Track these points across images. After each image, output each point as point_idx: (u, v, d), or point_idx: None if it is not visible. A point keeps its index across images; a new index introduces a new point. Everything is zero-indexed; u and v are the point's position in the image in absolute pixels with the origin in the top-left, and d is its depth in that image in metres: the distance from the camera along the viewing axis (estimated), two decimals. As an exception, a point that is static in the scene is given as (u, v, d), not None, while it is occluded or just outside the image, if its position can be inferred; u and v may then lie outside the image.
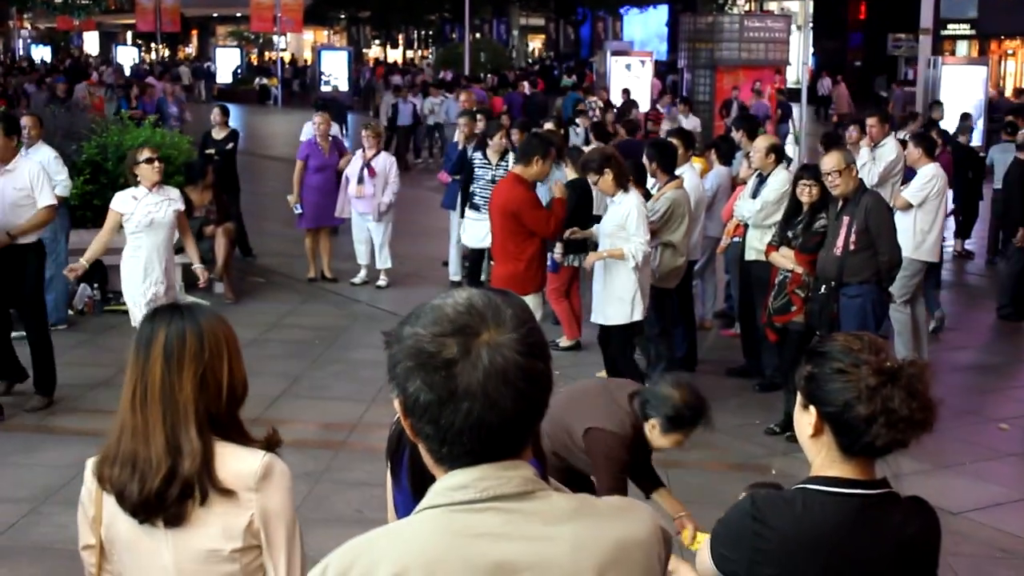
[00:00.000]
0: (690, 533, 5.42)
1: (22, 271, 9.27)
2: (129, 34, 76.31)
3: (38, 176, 9.38)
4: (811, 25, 25.54)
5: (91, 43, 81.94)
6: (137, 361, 3.05)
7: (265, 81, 50.07)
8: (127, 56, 64.00)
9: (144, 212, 9.14)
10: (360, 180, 13.80)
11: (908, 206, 10.96)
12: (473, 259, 12.92)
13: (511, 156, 11.89)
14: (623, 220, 8.98)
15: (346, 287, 14.07)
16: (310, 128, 15.00)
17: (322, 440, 8.85)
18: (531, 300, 8.99)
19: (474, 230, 12.44)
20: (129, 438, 3.02)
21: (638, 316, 9.21)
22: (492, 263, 10.23)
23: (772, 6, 45.09)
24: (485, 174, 12.40)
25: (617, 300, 9.13)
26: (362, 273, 14.20)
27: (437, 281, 14.37)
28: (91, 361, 10.76)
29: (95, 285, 12.50)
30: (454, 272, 14.14)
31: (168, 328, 3.04)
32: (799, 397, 2.92)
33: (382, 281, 14.07)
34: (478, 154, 12.64)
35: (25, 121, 11.58)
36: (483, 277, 12.58)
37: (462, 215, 12.99)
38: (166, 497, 2.96)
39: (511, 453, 1.98)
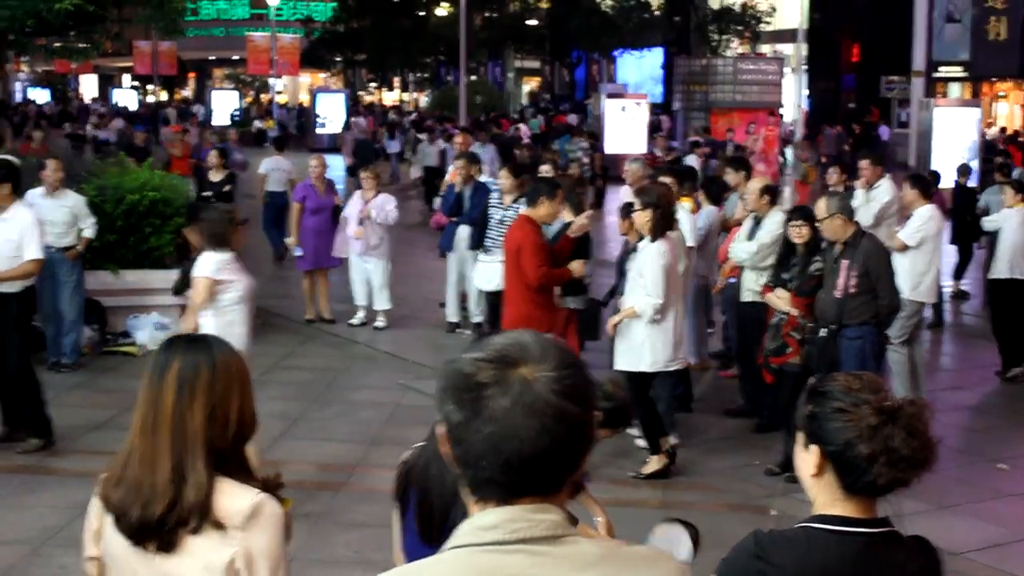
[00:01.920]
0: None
1: (3, 318, 9.26)
2: (127, 76, 76.60)
3: (29, 228, 9.40)
4: (805, 67, 25.72)
5: (88, 86, 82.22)
6: (150, 388, 3.07)
7: (262, 124, 50.27)
8: (126, 99, 64.24)
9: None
10: (360, 222, 13.87)
11: (905, 247, 11.03)
12: (490, 302, 12.90)
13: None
14: (642, 267, 8.86)
15: (344, 328, 14.09)
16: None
17: (321, 481, 8.85)
18: None
19: (484, 272, 12.46)
20: (136, 463, 3.05)
21: (645, 367, 8.91)
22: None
23: (766, 49, 45.33)
24: (495, 214, 12.46)
25: (627, 347, 9.00)
26: (360, 314, 14.24)
27: (435, 322, 14.40)
28: (90, 402, 10.77)
29: (95, 326, 12.52)
30: (451, 314, 14.16)
31: (183, 358, 3.07)
32: (800, 436, 2.95)
33: (380, 322, 14.10)
34: (494, 195, 12.71)
35: (50, 165, 11.71)
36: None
37: (475, 253, 13.06)
38: (164, 523, 2.98)
39: (540, 494, 2.00)
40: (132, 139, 24.94)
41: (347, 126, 41.41)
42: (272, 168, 19.31)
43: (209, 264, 7.86)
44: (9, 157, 10.94)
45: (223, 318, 7.79)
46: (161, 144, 26.15)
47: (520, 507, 1.99)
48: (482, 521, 2.01)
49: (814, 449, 2.88)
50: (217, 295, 7.86)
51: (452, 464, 2.04)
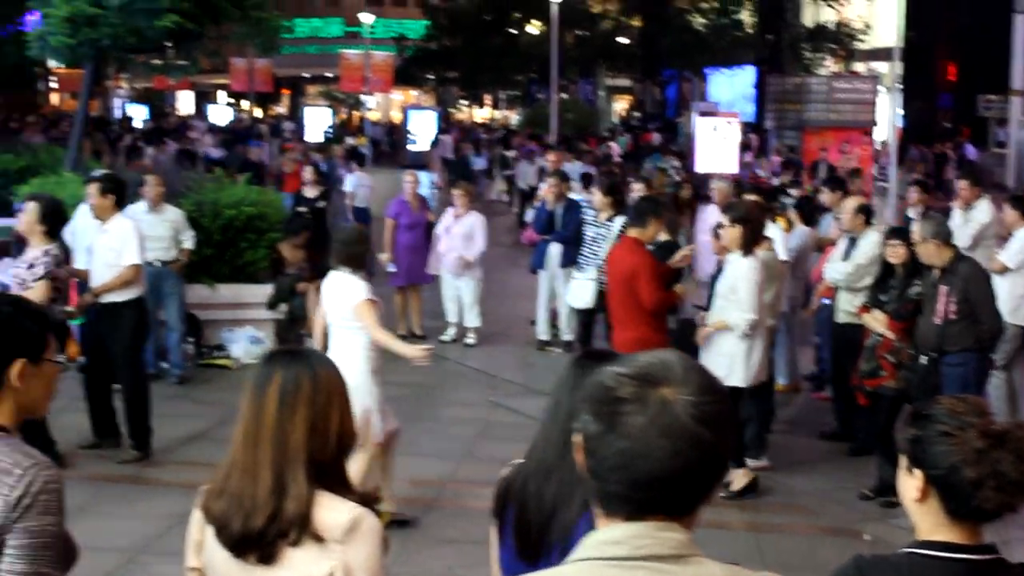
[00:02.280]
0: None
1: (116, 328, 9.50)
2: (222, 93, 77.75)
3: (128, 236, 9.67)
4: (899, 86, 25.45)
5: (185, 102, 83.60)
6: (253, 401, 3.10)
7: (354, 140, 50.71)
8: (220, 115, 65.20)
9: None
10: (448, 237, 13.97)
11: (1005, 269, 10.83)
12: (582, 320, 12.91)
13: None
14: (735, 282, 8.80)
15: (435, 344, 14.13)
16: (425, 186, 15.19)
17: (412, 497, 8.89)
18: None
19: (577, 290, 12.48)
20: (238, 475, 3.08)
21: (736, 382, 8.74)
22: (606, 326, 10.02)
23: (860, 67, 44.85)
24: (588, 231, 12.48)
25: (716, 357, 8.94)
26: (451, 331, 14.31)
27: (525, 340, 14.42)
28: (187, 414, 10.94)
29: (191, 339, 12.70)
30: (542, 331, 14.18)
31: (285, 371, 3.09)
32: (903, 460, 2.91)
33: (471, 339, 14.15)
34: (591, 212, 12.73)
35: (149, 181, 11.97)
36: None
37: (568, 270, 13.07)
38: (265, 535, 3.01)
39: (668, 513, 2.01)
40: (247, 155, 25.13)
41: (435, 143, 41.67)
42: (358, 185, 19.60)
43: (363, 286, 7.82)
44: (111, 172, 11.25)
45: (357, 338, 7.80)
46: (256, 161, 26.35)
47: (646, 524, 2.00)
48: (608, 535, 2.02)
49: (918, 473, 2.84)
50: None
51: (584, 475, 2.05)
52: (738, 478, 8.99)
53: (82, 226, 10.62)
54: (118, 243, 9.66)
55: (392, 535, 4.77)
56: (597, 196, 12.59)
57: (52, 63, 38.10)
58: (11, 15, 25.92)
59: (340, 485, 3.11)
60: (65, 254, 9.45)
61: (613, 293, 9.15)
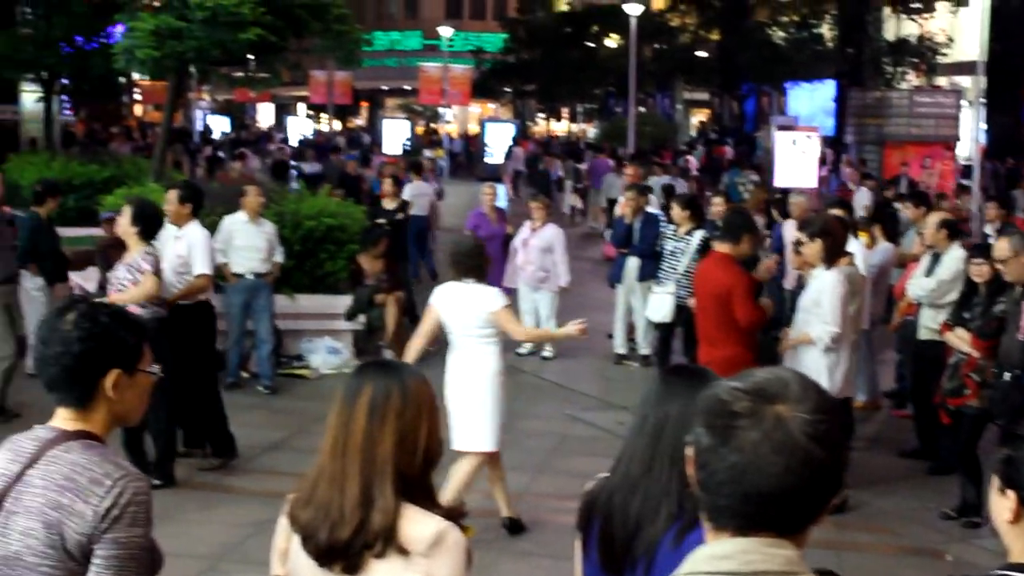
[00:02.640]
0: None
1: (183, 333, 9.57)
2: (302, 105, 78.52)
3: (199, 245, 9.80)
4: (983, 100, 25.09)
5: (265, 114, 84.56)
6: (342, 411, 3.12)
7: (431, 153, 51.00)
8: (300, 127, 65.84)
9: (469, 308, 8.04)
10: (526, 250, 13.99)
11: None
12: (660, 334, 12.88)
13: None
14: (819, 296, 8.72)
15: (512, 357, 14.13)
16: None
17: (487, 509, 8.88)
18: None
19: (656, 303, 12.46)
20: (326, 485, 3.10)
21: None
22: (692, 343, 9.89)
23: (942, 81, 44.30)
24: (667, 245, 12.46)
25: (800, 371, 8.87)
26: (528, 344, 14.30)
27: (602, 353, 14.39)
28: (266, 423, 11.04)
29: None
30: (619, 345, 14.15)
31: (375, 383, 3.11)
32: (996, 481, 2.87)
33: (547, 352, 14.15)
34: (670, 226, 12.72)
35: (251, 191, 12.07)
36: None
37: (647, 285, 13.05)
38: (351, 546, 3.02)
39: (778, 530, 2.00)
40: (344, 168, 25.19)
41: (508, 155, 41.81)
42: (416, 193, 19.75)
43: (495, 293, 8.05)
44: (190, 180, 11.42)
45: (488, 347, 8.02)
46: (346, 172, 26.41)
47: (756, 540, 1.99)
48: (717, 550, 2.02)
49: (1011, 494, 2.80)
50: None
51: (694, 487, 2.05)
52: None
53: (163, 236, 10.77)
54: (187, 252, 9.79)
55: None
56: (676, 210, 12.56)
57: (137, 75, 38.72)
58: (98, 28, 26.37)
59: (426, 499, 3.11)
60: None
61: (704, 310, 8.92)
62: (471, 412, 7.98)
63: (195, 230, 10.01)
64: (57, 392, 3.09)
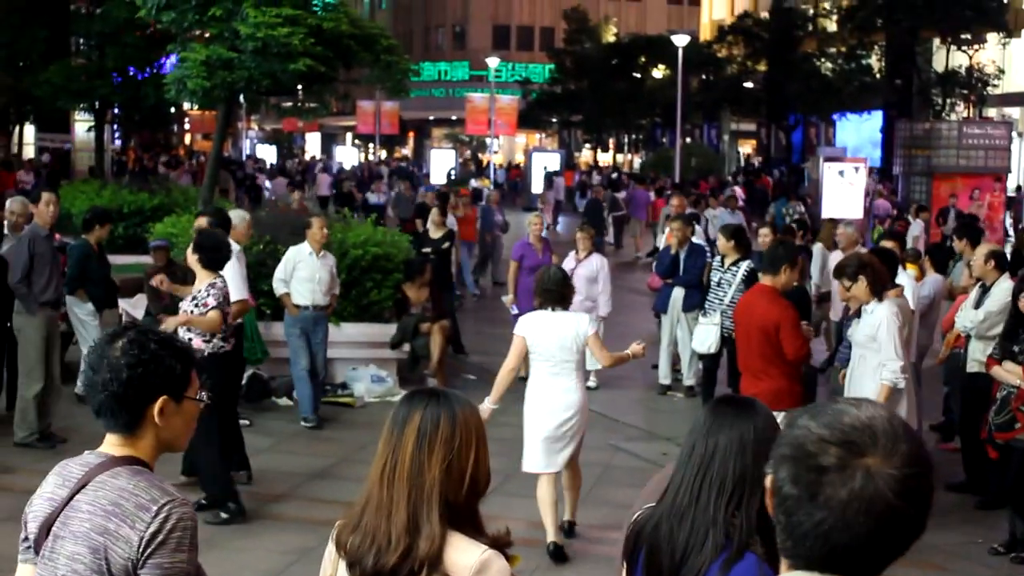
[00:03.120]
0: None
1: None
2: (349, 135, 79.13)
3: (232, 271, 9.84)
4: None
5: (313, 144, 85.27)
6: (390, 438, 3.12)
7: (477, 182, 51.21)
8: (347, 156, 66.34)
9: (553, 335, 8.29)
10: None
11: None
12: (705, 365, 12.84)
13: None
14: (874, 331, 8.61)
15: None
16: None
17: (530, 538, 8.86)
18: (782, 416, 8.45)
19: (701, 334, 12.43)
20: (373, 511, 3.10)
21: None
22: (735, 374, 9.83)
23: (992, 112, 44.03)
24: (713, 276, 12.44)
25: None
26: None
27: (647, 383, 14.36)
28: (310, 450, 11.07)
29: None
30: (664, 375, 14.11)
31: (424, 411, 3.11)
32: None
33: (591, 382, 14.09)
34: (717, 257, 12.70)
35: (316, 223, 12.10)
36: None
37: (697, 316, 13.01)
38: (397, 572, 3.02)
39: (854, 573, 1.99)
40: (413, 200, 24.81)
41: (548, 184, 41.93)
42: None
43: (587, 318, 8.59)
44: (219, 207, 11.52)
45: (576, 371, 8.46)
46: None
47: None
48: None
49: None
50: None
51: (773, 518, 2.05)
52: None
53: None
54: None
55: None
56: (722, 240, 12.52)
57: (187, 105, 39.09)
58: (150, 59, 26.70)
59: (472, 527, 3.11)
60: None
61: (747, 343, 8.81)
62: (561, 435, 8.36)
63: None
64: (105, 418, 3.12)
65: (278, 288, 12.03)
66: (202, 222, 10.27)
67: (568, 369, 8.28)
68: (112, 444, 3.13)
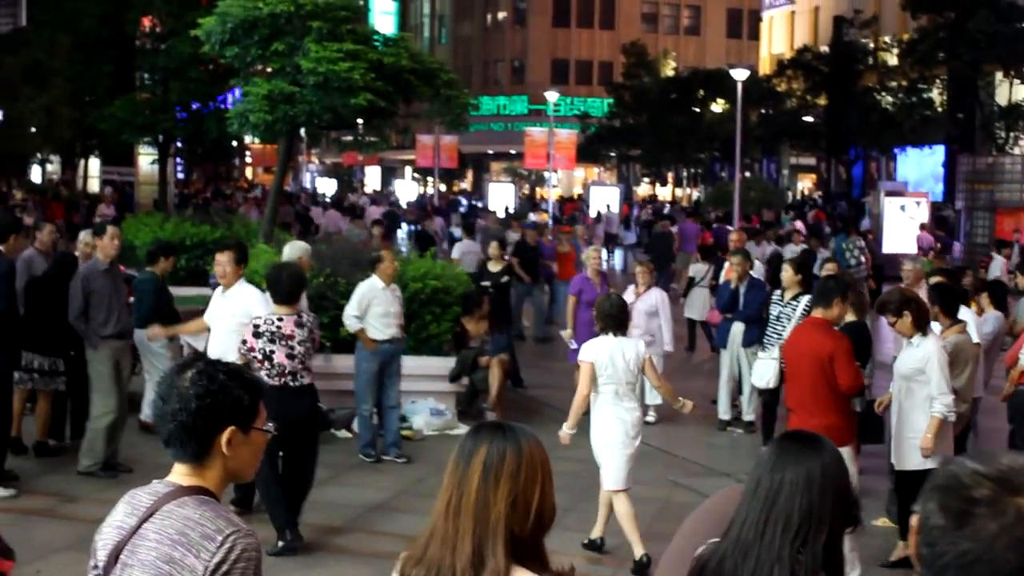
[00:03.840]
0: None
1: None
2: (408, 169, 79.56)
3: (252, 301, 10.04)
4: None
5: (372, 177, 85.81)
6: (456, 471, 3.11)
7: (536, 216, 51.26)
8: (406, 190, 66.71)
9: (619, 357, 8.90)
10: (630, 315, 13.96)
11: None
12: (765, 400, 12.75)
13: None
14: (922, 364, 8.57)
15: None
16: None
17: (589, 574, 8.85)
18: (846, 452, 8.42)
19: (760, 369, 12.36)
20: (438, 543, 3.08)
21: (934, 464, 8.50)
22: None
23: (1057, 146, 43.61)
24: (773, 310, 12.38)
25: (911, 444, 8.73)
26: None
27: (706, 419, 14.26)
28: (368, 483, 11.09)
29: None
30: (723, 411, 14.02)
31: (490, 444, 3.09)
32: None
33: (651, 417, 14.05)
34: (777, 291, 12.65)
35: (387, 257, 12.13)
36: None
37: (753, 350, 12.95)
38: None
39: None
40: (521, 236, 23.94)
41: (598, 219, 42.03)
42: (464, 252, 19.95)
43: (642, 344, 9.24)
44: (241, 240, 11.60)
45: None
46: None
47: None
48: None
49: None
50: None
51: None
52: (898, 549, 8.98)
53: (215, 296, 10.97)
54: (240, 308, 9.99)
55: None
56: (788, 273, 12.44)
57: (248, 139, 39.55)
58: (213, 93, 27.04)
59: (537, 561, 3.08)
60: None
61: (801, 377, 8.69)
62: (635, 452, 9.09)
63: (246, 288, 10.36)
64: (174, 448, 3.16)
65: (352, 324, 11.91)
66: (223, 257, 10.36)
67: (631, 390, 8.95)
68: (180, 474, 3.17)
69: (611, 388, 8.84)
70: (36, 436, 11.45)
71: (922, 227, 31.77)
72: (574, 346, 14.44)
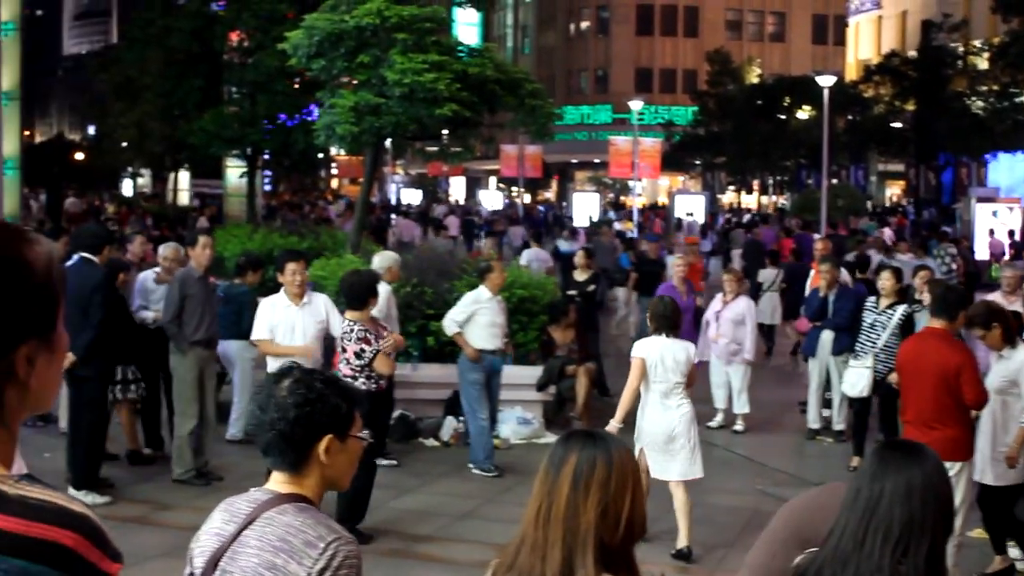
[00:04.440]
0: None
1: None
2: (492, 179, 79.78)
3: (333, 311, 10.37)
4: None
5: (457, 188, 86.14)
6: (546, 480, 3.09)
7: (620, 225, 51.13)
8: (491, 200, 66.91)
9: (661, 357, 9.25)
10: (717, 323, 13.88)
11: None
12: (856, 409, 12.59)
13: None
14: (1015, 375, 8.45)
15: (702, 430, 13.95)
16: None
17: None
18: (958, 467, 8.09)
19: (852, 378, 12.20)
20: (528, 552, 3.06)
21: (1018, 477, 8.51)
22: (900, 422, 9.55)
23: None
24: (867, 318, 12.21)
25: (1000, 458, 8.58)
26: (719, 417, 14.14)
27: (795, 428, 14.12)
28: (456, 491, 11.10)
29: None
30: (813, 419, 13.85)
31: (581, 452, 3.07)
32: None
33: (739, 426, 13.95)
34: (872, 298, 12.49)
35: (496, 267, 12.11)
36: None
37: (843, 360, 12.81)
38: None
39: None
40: (636, 248, 23.22)
41: (678, 226, 41.87)
42: (531, 259, 19.95)
43: (692, 346, 9.56)
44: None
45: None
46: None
47: None
48: None
49: None
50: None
51: None
52: (995, 563, 8.82)
53: (279, 304, 11.04)
54: (325, 316, 10.34)
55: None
56: (889, 281, 12.24)
57: (334, 150, 39.91)
58: (300, 106, 27.32)
59: (627, 570, 3.06)
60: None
61: (919, 391, 8.37)
62: (680, 447, 9.27)
63: (320, 297, 10.66)
64: (272, 456, 3.19)
65: (450, 328, 11.86)
66: (299, 266, 10.51)
67: (679, 389, 9.23)
68: (278, 482, 3.20)
69: (660, 387, 9.18)
70: (127, 445, 11.62)
71: (991, 233, 31.30)
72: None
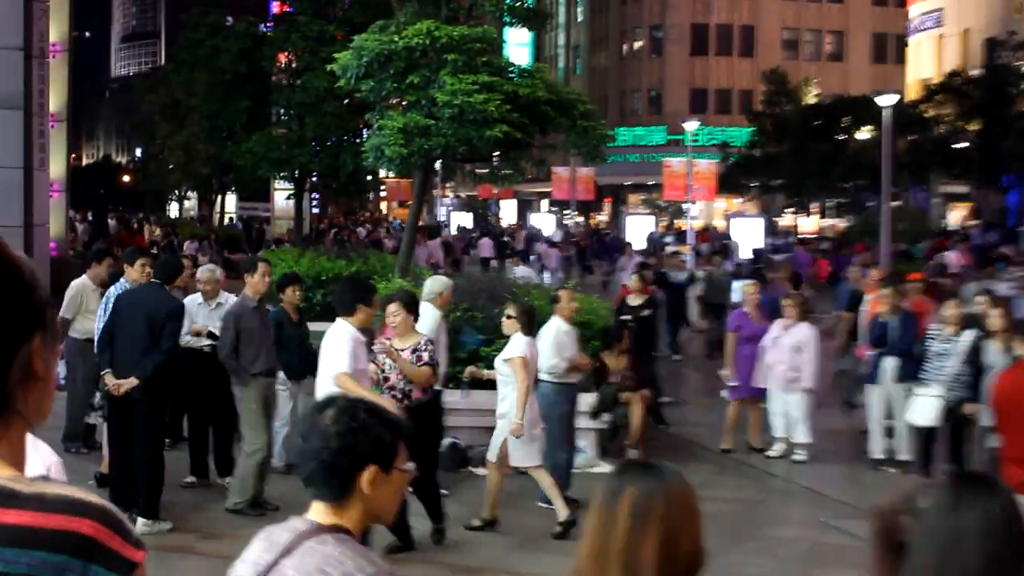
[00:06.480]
0: None
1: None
2: (544, 202, 79.58)
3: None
4: None
5: (508, 210, 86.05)
6: (601, 513, 2.90)
7: (677, 248, 50.72)
8: (543, 223, 66.65)
9: None
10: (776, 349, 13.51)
11: None
12: (923, 439, 12.19)
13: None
14: None
15: (761, 460, 13.61)
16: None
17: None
18: None
19: (920, 407, 11.82)
20: None
21: None
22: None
23: None
24: (933, 345, 11.85)
25: None
26: (778, 446, 13.73)
27: (856, 457, 13.69)
28: (508, 522, 10.74)
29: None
30: (876, 449, 13.40)
31: (637, 485, 2.90)
32: None
33: (799, 455, 13.53)
34: (935, 325, 12.13)
35: (564, 296, 11.72)
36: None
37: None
38: None
39: None
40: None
41: (726, 251, 41.59)
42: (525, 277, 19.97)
43: None
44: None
45: None
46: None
47: None
48: None
49: None
50: None
51: None
52: None
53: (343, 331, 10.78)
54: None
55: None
56: (951, 310, 11.89)
57: (383, 172, 39.75)
58: (348, 127, 27.21)
59: None
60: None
61: (1020, 427, 7.89)
62: None
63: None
64: (314, 486, 3.14)
65: (560, 366, 11.23)
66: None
67: None
68: (319, 512, 3.14)
69: None
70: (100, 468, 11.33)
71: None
72: (734, 383, 14.00)
